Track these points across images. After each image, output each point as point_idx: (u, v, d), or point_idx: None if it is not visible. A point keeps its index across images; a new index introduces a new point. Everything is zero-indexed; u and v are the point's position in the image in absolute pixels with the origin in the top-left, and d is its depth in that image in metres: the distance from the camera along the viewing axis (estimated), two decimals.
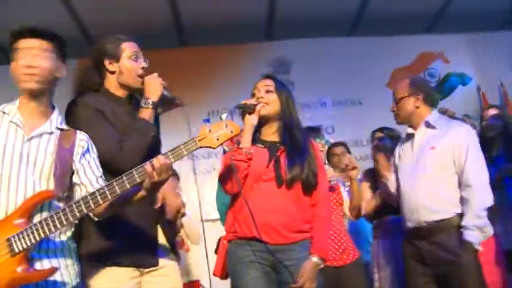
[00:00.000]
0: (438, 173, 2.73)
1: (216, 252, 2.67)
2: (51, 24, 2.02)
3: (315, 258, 2.38)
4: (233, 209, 2.49)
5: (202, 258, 4.01)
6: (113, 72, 2.32)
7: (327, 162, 3.78)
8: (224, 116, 2.04)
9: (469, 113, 5.32)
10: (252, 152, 2.41)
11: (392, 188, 3.02)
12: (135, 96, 2.39)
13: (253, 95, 2.55)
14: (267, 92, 2.52)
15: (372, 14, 6.27)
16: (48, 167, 1.89)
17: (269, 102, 2.50)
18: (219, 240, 2.64)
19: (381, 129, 3.81)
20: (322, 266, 2.42)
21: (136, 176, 1.86)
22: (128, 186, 1.86)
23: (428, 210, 2.70)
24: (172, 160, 1.92)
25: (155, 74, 2.32)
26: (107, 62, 2.31)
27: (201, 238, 3.93)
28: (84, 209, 1.82)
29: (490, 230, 2.61)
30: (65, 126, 2.02)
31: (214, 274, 2.61)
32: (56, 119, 1.99)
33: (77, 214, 1.81)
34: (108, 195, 1.84)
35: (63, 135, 1.97)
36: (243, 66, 6.03)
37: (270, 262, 2.38)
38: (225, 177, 2.47)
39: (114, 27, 5.43)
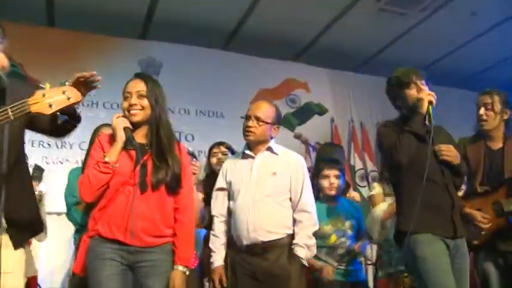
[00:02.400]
0: (277, 196, 2.94)
1: (77, 248, 2.58)
2: None
3: (180, 268, 2.44)
4: (96, 208, 2.44)
5: (42, 253, 3.82)
6: None
7: None
8: (67, 82, 1.95)
9: (320, 141, 5.73)
10: (117, 166, 2.39)
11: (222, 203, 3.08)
12: None
13: (125, 98, 2.51)
14: (139, 96, 2.49)
15: (248, 33, 6.46)
16: None
17: (142, 108, 2.49)
18: (81, 236, 2.57)
19: (221, 143, 3.92)
20: (188, 273, 2.48)
21: None
22: None
23: (265, 230, 2.86)
24: None
25: None
26: None
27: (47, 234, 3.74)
28: None
29: (315, 250, 2.95)
30: None
31: (73, 271, 2.53)
32: None
33: None
34: None
35: None
36: (112, 59, 5.86)
37: (128, 261, 2.39)
38: (85, 185, 2.42)
39: None
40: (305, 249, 2.85)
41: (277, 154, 3.05)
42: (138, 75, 2.59)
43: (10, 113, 1.80)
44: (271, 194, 2.92)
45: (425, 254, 2.68)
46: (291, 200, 2.97)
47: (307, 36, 6.73)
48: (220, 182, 3.12)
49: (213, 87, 6.53)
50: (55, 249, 3.96)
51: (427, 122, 2.79)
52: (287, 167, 3.00)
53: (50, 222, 3.66)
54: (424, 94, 2.82)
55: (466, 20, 6.17)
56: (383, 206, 3.92)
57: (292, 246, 2.87)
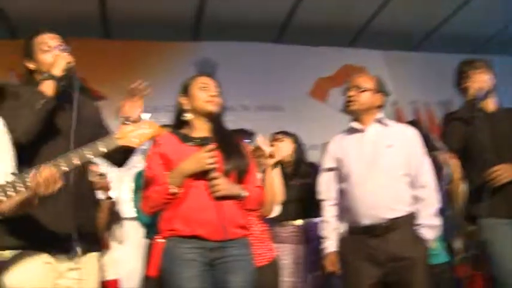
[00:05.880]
0: (395, 171, 2.77)
1: (149, 251, 2.63)
2: None
3: None
4: (170, 207, 2.43)
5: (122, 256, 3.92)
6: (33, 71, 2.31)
7: None
8: (147, 116, 2.09)
9: None
10: (182, 191, 2.40)
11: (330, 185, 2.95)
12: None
13: (204, 88, 2.55)
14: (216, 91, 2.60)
15: (299, 23, 6.36)
16: None
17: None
18: (153, 239, 2.59)
19: (281, 132, 3.91)
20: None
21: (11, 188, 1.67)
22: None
23: (387, 207, 2.69)
24: (92, 156, 1.88)
25: (63, 54, 2.24)
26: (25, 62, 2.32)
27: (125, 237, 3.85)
28: None
29: (439, 232, 2.79)
30: None
31: (148, 274, 2.54)
32: None
33: None
34: None
35: None
36: (168, 64, 5.94)
37: (208, 259, 2.37)
38: (147, 204, 2.48)
39: (36, 12, 5.26)
40: (431, 229, 2.71)
41: (388, 125, 2.89)
42: (207, 75, 2.67)
43: (100, 148, 1.89)
44: (390, 168, 2.75)
45: (493, 238, 2.71)
46: (408, 175, 2.79)
47: (360, 19, 6.55)
48: (327, 162, 2.98)
49: (269, 81, 6.48)
50: (132, 252, 4.06)
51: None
52: (402, 140, 2.83)
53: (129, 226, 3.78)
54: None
55: None
56: (462, 187, 3.77)
57: (416, 228, 2.71)
